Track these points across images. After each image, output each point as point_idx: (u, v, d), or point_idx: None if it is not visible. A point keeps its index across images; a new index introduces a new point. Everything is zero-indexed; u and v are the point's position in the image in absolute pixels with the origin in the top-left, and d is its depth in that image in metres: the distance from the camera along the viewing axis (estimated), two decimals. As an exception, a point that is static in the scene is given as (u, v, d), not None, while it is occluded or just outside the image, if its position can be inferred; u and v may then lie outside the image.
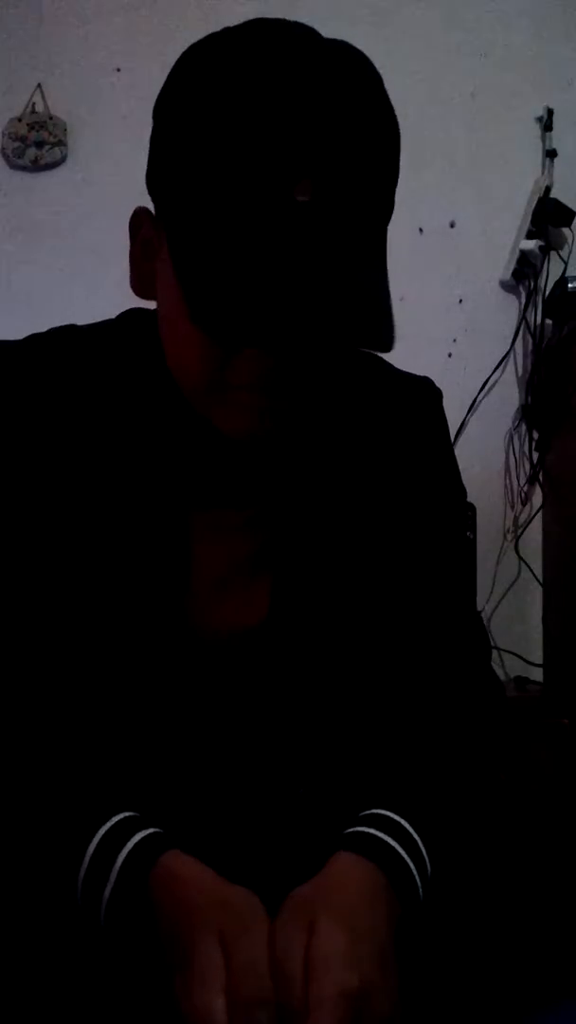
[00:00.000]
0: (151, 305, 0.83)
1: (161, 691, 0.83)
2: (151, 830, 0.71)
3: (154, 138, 0.76)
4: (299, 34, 0.73)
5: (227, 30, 0.74)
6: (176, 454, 0.83)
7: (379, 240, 0.74)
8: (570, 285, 2.21)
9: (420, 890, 0.72)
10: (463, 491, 0.95)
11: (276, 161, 0.68)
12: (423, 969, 0.74)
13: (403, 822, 0.73)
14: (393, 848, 0.71)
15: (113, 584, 0.82)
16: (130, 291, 0.82)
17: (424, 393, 0.93)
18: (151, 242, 0.78)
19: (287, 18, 0.74)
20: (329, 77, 0.70)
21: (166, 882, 0.68)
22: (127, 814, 0.72)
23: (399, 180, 0.75)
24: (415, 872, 0.72)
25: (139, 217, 0.80)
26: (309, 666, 0.85)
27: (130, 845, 0.70)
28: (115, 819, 0.71)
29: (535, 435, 2.36)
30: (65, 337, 0.87)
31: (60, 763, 0.76)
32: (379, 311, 0.71)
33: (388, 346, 0.70)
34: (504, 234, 2.42)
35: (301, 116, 0.68)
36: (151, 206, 0.79)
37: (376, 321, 0.71)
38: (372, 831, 0.72)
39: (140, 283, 0.81)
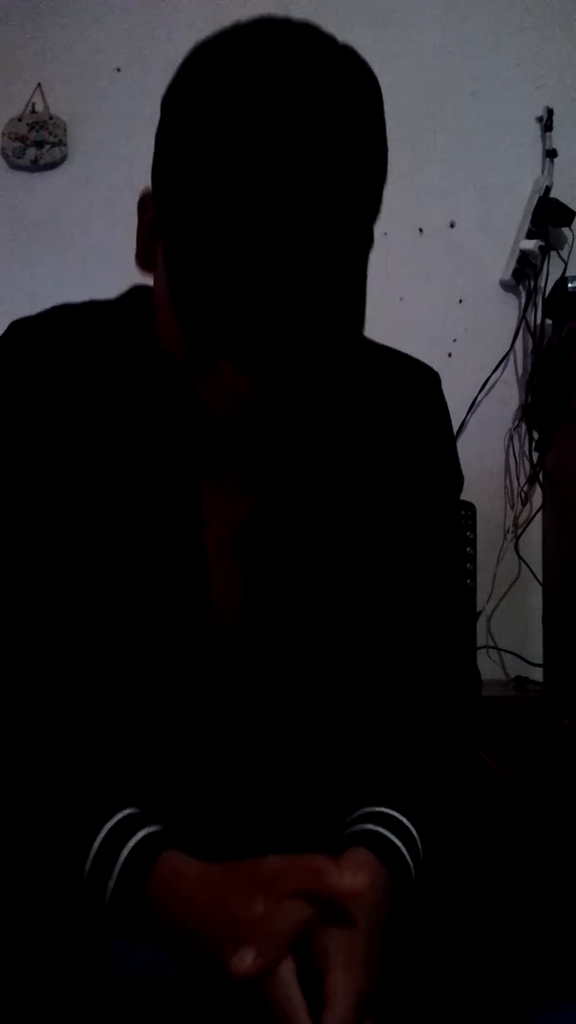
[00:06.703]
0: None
1: (176, 667, 0.84)
2: (153, 828, 0.74)
3: (157, 134, 0.78)
4: (301, 40, 0.74)
5: (235, 28, 0.75)
6: (179, 425, 0.85)
7: (360, 243, 0.76)
8: (570, 285, 2.21)
9: (412, 873, 0.76)
10: (460, 476, 0.97)
11: (257, 172, 0.70)
12: (424, 970, 0.76)
13: (404, 820, 0.77)
14: (398, 848, 0.76)
15: (125, 557, 0.83)
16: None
17: (421, 375, 0.95)
18: (156, 223, 0.80)
19: (288, 17, 0.74)
20: (320, 90, 0.72)
21: (163, 882, 0.71)
22: (130, 811, 0.74)
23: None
24: (412, 870, 0.76)
25: (146, 200, 0.81)
26: (295, 645, 0.87)
27: (132, 843, 0.72)
28: (119, 816, 0.73)
29: (535, 435, 2.36)
30: (66, 314, 0.89)
31: (67, 753, 0.78)
32: (343, 317, 0.75)
33: (351, 338, 0.76)
34: (504, 234, 2.42)
35: (285, 129, 0.70)
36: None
37: (340, 327, 0.75)
38: (382, 831, 0.76)
39: (143, 258, 0.83)
